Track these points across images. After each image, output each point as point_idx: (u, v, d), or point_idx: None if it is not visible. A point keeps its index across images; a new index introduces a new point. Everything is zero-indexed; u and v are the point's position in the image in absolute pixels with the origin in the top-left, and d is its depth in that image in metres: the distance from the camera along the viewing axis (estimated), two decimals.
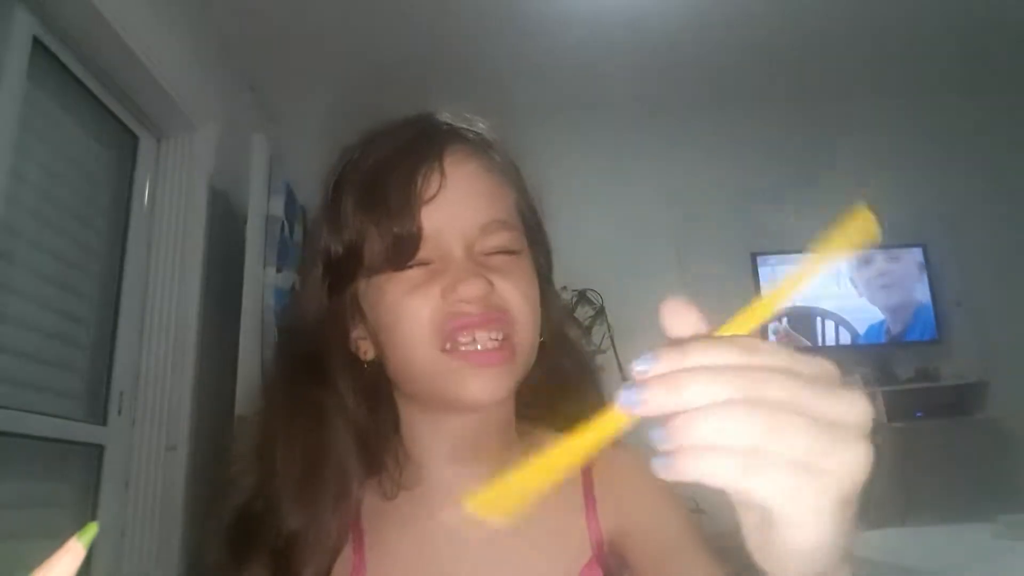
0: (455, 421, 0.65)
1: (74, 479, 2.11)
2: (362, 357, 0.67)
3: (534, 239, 0.70)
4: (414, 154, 0.64)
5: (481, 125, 0.71)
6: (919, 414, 3.09)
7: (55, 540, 0.29)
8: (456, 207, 0.63)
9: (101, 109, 2.25)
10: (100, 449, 2.18)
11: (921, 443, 3.10)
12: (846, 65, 3.38)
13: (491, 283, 0.60)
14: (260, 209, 2.61)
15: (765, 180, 3.51)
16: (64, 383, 2.07)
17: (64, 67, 2.04)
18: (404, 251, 0.61)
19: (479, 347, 0.60)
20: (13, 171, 1.79)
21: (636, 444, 0.70)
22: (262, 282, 2.58)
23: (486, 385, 0.60)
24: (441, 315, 0.60)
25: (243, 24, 2.79)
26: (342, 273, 0.65)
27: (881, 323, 3.35)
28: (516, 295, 0.62)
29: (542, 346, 0.67)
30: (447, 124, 0.69)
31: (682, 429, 0.29)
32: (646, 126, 3.53)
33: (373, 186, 0.64)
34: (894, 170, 3.54)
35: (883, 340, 3.33)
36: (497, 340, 0.60)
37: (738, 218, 3.43)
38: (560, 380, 0.71)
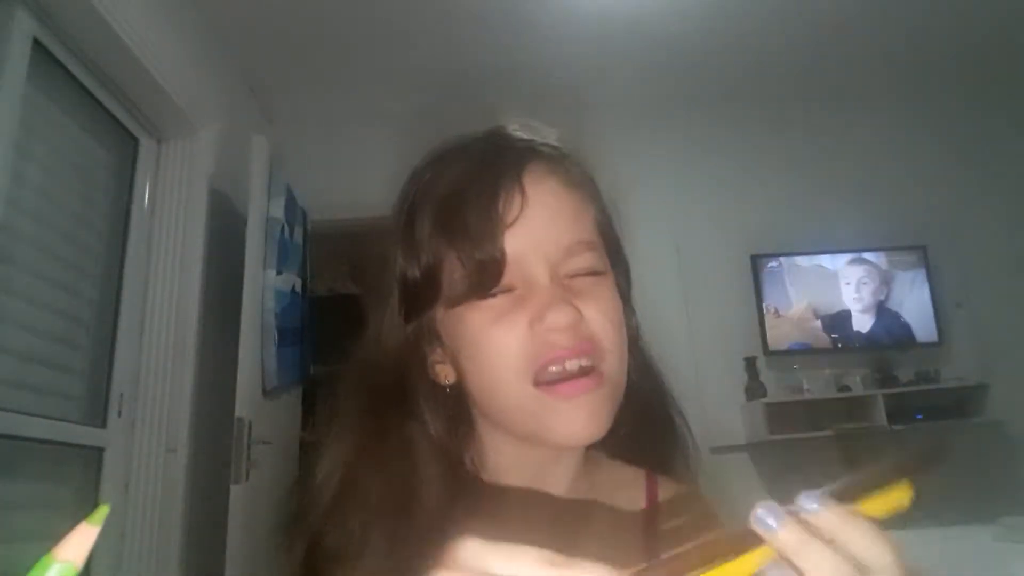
0: (539, 450, 0.63)
1: (74, 481, 2.10)
2: (442, 381, 0.64)
3: (614, 257, 0.67)
4: (493, 174, 0.60)
5: (554, 136, 0.68)
6: (919, 416, 3.09)
7: (55, 542, 0.29)
8: (539, 229, 0.60)
9: (101, 111, 2.25)
10: (100, 451, 2.17)
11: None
12: (848, 67, 3.38)
13: (579, 311, 0.57)
14: (260, 211, 2.61)
15: (765, 181, 3.51)
16: (64, 385, 2.07)
17: (64, 69, 2.04)
18: (487, 278, 0.58)
19: (569, 373, 0.57)
20: (13, 173, 1.79)
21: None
22: (262, 284, 2.58)
23: (582, 421, 0.57)
24: (531, 348, 0.57)
25: (243, 26, 2.79)
26: (419, 299, 0.62)
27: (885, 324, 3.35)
28: (604, 320, 0.59)
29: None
30: (522, 139, 0.66)
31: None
32: (646, 127, 3.53)
33: (451, 209, 0.60)
34: (895, 172, 3.55)
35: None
36: (588, 367, 0.57)
37: (738, 219, 3.43)
38: (638, 404, 0.67)
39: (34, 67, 1.86)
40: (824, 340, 3.32)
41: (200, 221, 2.53)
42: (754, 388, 3.18)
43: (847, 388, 3.21)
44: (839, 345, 3.32)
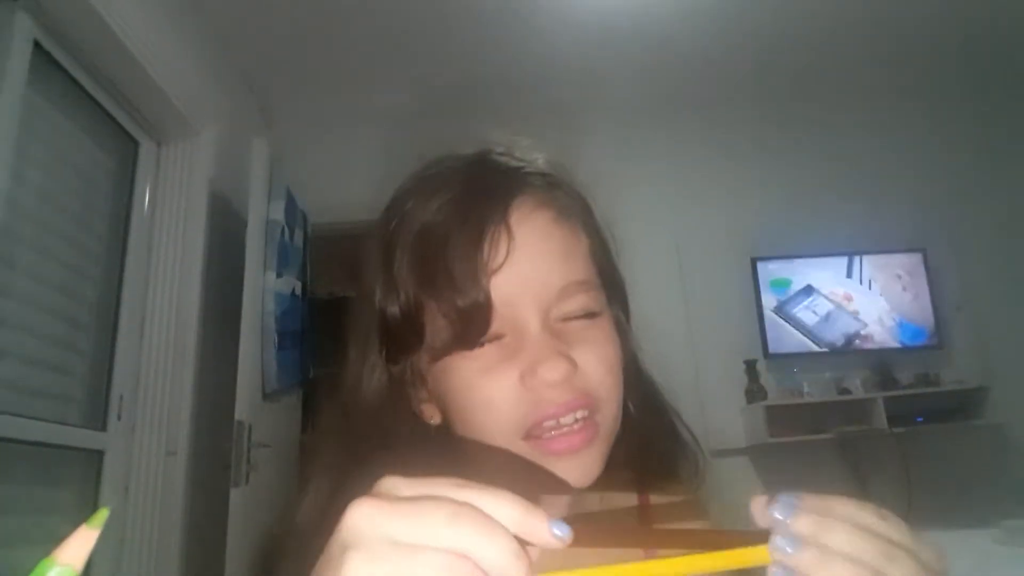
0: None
1: (74, 485, 2.10)
2: (427, 422, 0.61)
3: (611, 289, 0.63)
4: (477, 213, 0.56)
5: (542, 160, 0.64)
6: (920, 419, 3.09)
7: (55, 545, 0.29)
8: (528, 272, 0.55)
9: (102, 114, 2.25)
10: (100, 454, 2.17)
11: (922, 448, 3.10)
12: (847, 67, 3.39)
13: (574, 363, 0.54)
14: (260, 213, 2.61)
15: (765, 183, 3.51)
16: (64, 388, 2.07)
17: (65, 72, 2.05)
18: (472, 329, 0.54)
19: (563, 428, 0.54)
20: (14, 176, 1.79)
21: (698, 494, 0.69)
22: (262, 287, 2.58)
23: (574, 473, 0.54)
24: (524, 405, 0.54)
25: (244, 29, 2.79)
26: (401, 342, 0.59)
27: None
28: (600, 368, 0.56)
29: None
30: (507, 167, 0.62)
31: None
32: (646, 129, 3.54)
33: (431, 251, 0.56)
34: (895, 174, 3.55)
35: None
36: (582, 419, 0.55)
37: (738, 221, 3.43)
38: (638, 435, 0.65)
39: (34, 70, 1.86)
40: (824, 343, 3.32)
41: (200, 224, 2.53)
42: (754, 391, 3.17)
43: (847, 391, 3.20)
44: (839, 348, 3.32)
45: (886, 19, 3.02)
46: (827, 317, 3.33)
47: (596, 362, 0.56)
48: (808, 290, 3.35)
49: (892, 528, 0.37)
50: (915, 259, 3.40)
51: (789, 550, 0.35)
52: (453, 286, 0.54)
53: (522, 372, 0.54)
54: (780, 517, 0.36)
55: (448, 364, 0.56)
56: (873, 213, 3.47)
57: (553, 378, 0.53)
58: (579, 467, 0.54)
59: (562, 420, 0.54)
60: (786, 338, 3.29)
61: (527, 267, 0.55)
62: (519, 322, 0.55)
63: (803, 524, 0.36)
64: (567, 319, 0.57)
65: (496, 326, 0.55)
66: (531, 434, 0.54)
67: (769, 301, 3.31)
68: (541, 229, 0.58)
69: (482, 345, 0.55)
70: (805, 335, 3.30)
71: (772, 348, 3.27)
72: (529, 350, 0.54)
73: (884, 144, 3.60)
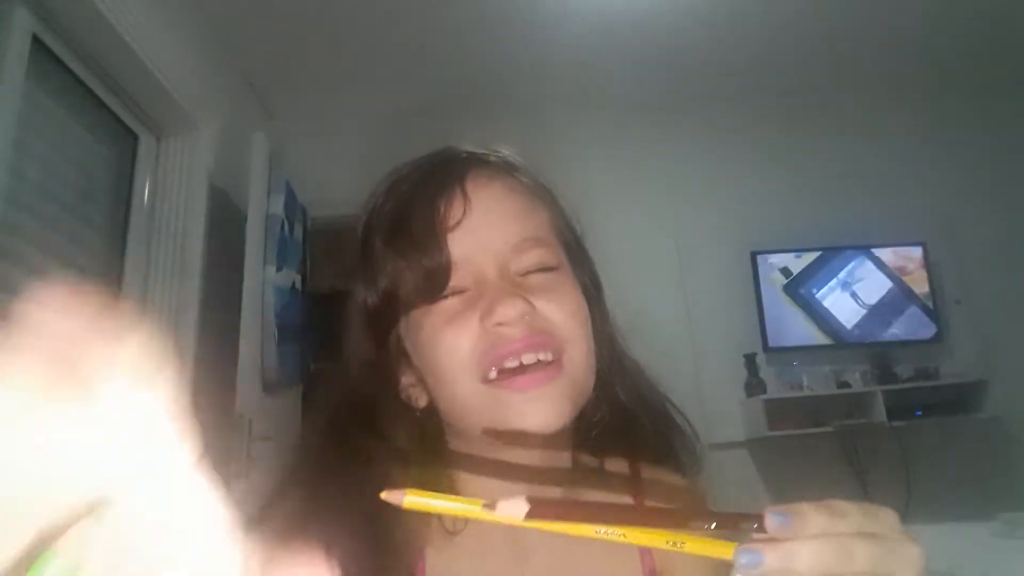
0: (513, 455, 0.60)
1: None
2: (414, 405, 0.64)
3: (575, 258, 0.67)
4: (434, 184, 0.62)
5: (505, 150, 0.69)
6: (919, 413, 3.10)
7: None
8: (484, 229, 0.60)
9: (101, 108, 2.25)
10: None
11: (921, 442, 3.10)
12: (847, 65, 3.38)
13: (531, 303, 0.57)
14: (260, 208, 2.61)
15: (765, 179, 3.51)
16: None
17: (64, 66, 2.04)
18: (435, 282, 0.59)
19: (526, 369, 0.56)
20: (13, 169, 1.79)
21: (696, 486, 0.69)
22: (262, 281, 2.58)
23: (540, 411, 0.56)
24: (483, 344, 0.57)
25: (243, 23, 2.78)
26: (383, 320, 0.63)
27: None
28: (559, 312, 0.59)
29: (598, 374, 0.63)
30: (467, 152, 0.67)
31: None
32: (646, 124, 3.53)
33: (398, 224, 0.62)
34: (894, 169, 3.55)
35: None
36: (546, 361, 0.57)
37: (738, 216, 3.43)
38: (618, 412, 0.67)
39: (33, 64, 1.86)
40: (824, 336, 3.32)
41: (200, 218, 2.52)
42: (753, 384, 3.18)
43: (847, 384, 3.21)
44: (838, 341, 3.32)
45: (885, 15, 3.01)
46: (829, 309, 3.34)
47: (555, 307, 0.59)
48: (811, 281, 3.35)
49: (875, 523, 0.37)
50: (915, 252, 3.40)
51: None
52: (415, 247, 0.59)
53: (481, 315, 0.57)
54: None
55: (420, 321, 0.60)
56: (873, 207, 3.47)
57: (508, 315, 0.56)
58: (544, 407, 0.56)
59: (524, 360, 0.56)
60: (785, 331, 3.30)
61: (483, 224, 0.60)
62: (479, 275, 0.59)
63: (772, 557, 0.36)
64: (526, 273, 0.60)
65: (458, 280, 0.59)
66: (492, 375, 0.57)
67: (774, 293, 3.31)
68: (496, 193, 0.63)
69: (446, 298, 0.59)
70: (808, 326, 3.31)
71: (771, 342, 3.27)
72: (487, 296, 0.58)
73: (883, 138, 3.60)
